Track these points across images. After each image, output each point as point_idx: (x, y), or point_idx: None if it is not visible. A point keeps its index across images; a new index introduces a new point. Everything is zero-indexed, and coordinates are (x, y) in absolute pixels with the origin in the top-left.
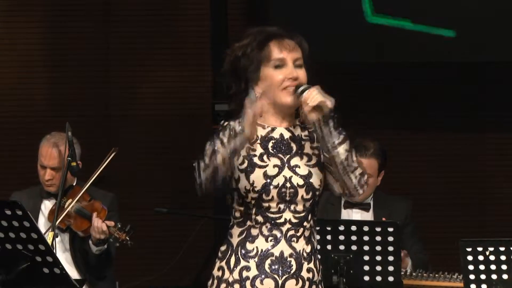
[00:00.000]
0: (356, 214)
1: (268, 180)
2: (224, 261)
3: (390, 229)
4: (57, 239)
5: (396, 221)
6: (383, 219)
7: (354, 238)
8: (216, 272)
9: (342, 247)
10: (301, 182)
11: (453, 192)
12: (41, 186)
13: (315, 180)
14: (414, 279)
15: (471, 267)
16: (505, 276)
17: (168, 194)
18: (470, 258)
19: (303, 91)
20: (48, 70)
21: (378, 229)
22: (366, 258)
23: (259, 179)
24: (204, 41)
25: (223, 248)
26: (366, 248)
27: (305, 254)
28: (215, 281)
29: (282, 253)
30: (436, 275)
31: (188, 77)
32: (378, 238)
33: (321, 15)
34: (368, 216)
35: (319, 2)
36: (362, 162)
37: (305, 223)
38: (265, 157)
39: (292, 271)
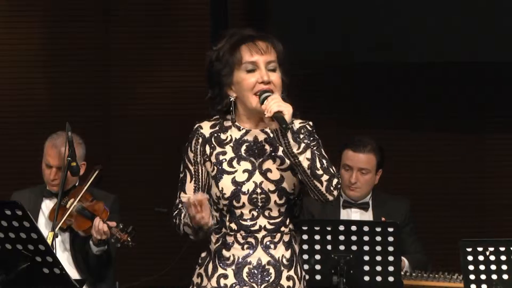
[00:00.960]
0: (355, 214)
1: (238, 187)
2: (203, 268)
3: (390, 229)
4: (57, 239)
5: (396, 221)
6: (383, 219)
7: (354, 238)
8: (195, 279)
9: (342, 247)
10: (272, 187)
11: (453, 192)
12: (43, 185)
13: (288, 185)
14: (414, 279)
15: (471, 267)
16: (505, 276)
17: (168, 194)
18: (470, 258)
19: (264, 99)
20: (48, 70)
21: (378, 229)
22: (366, 258)
23: (228, 186)
24: (204, 41)
25: (203, 254)
26: (366, 248)
27: (284, 261)
28: None
29: (259, 260)
30: (436, 275)
31: (188, 77)
32: (378, 238)
33: (322, 15)
34: (367, 215)
35: (320, 3)
36: (332, 167)
37: (282, 228)
38: (234, 162)
39: (271, 280)
